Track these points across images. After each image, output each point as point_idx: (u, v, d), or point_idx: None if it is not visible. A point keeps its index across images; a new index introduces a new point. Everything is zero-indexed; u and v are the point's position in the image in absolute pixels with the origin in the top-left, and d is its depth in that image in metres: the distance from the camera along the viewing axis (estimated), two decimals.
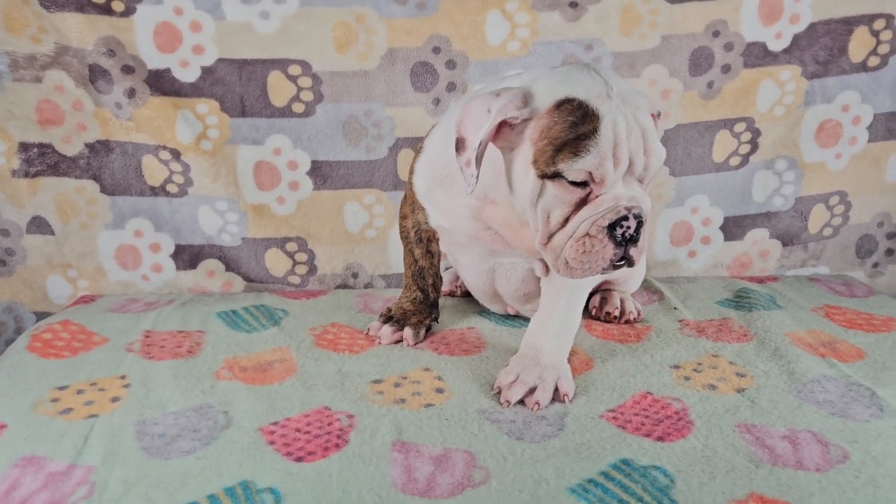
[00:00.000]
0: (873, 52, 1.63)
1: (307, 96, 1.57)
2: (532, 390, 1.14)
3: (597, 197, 1.00)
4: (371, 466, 0.98)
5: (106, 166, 1.57)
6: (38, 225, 1.59)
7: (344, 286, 1.71)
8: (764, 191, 1.72)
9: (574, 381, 1.20)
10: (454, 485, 0.95)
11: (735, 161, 1.69)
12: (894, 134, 1.69)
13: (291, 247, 1.67)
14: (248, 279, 1.69)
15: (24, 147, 1.54)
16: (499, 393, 1.16)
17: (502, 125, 1.01)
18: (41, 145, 1.55)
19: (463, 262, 1.35)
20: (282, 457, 1.00)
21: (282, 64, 1.54)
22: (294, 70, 1.55)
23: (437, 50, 1.56)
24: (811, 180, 1.72)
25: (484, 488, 0.94)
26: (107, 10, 1.47)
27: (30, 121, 1.52)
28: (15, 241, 1.60)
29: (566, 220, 1.02)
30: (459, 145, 1.02)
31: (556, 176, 0.99)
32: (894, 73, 1.64)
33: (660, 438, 1.05)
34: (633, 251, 1.03)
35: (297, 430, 1.07)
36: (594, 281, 1.39)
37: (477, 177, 1.01)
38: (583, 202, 1.01)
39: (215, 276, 1.67)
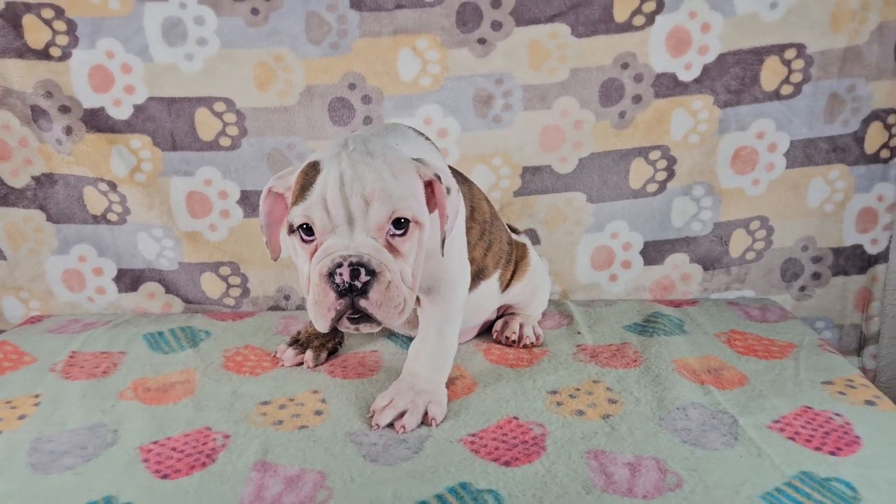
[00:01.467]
0: (786, 80, 1.65)
1: (233, 131, 1.67)
2: (402, 414, 1.21)
3: (320, 246, 1.07)
4: (227, 485, 1.06)
5: (51, 197, 1.71)
6: None
7: (276, 308, 1.81)
8: (682, 216, 1.76)
9: (450, 405, 1.26)
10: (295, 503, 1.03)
11: (652, 188, 1.73)
12: (813, 160, 1.71)
13: (225, 271, 1.78)
14: (186, 301, 1.80)
15: None
16: (373, 416, 1.23)
17: (280, 200, 1.16)
18: None
19: None
20: (150, 474, 1.09)
21: (207, 101, 1.65)
22: (219, 107, 1.65)
23: (352, 86, 1.65)
24: (729, 206, 1.75)
25: None
26: (45, 55, 1.60)
27: None
28: None
29: None
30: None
31: (292, 230, 1.08)
32: (809, 101, 1.66)
33: (507, 463, 1.10)
34: (363, 303, 1.06)
35: (174, 448, 1.16)
36: (482, 309, 1.46)
37: (267, 244, 1.20)
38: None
39: (155, 298, 1.79)
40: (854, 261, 1.79)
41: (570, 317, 1.67)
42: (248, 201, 1.73)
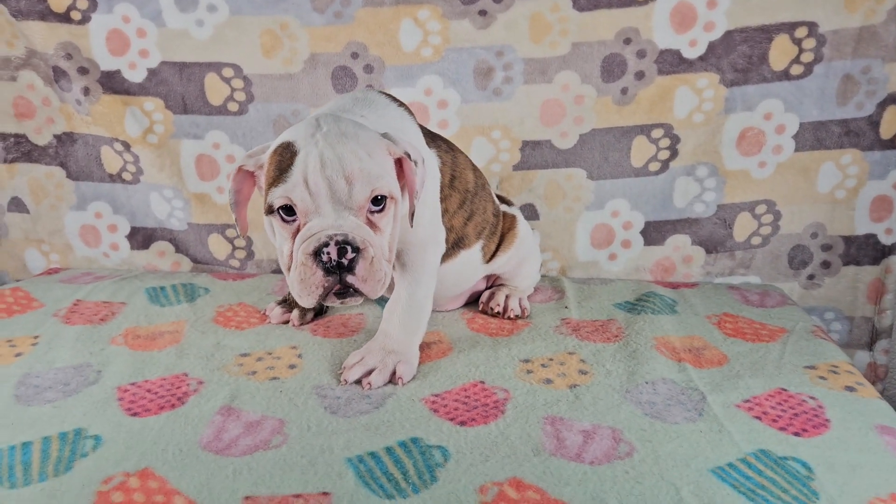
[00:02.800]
0: (796, 60, 1.60)
1: (240, 96, 1.73)
2: (371, 372, 1.24)
3: (304, 226, 1.09)
4: (189, 426, 1.10)
5: (71, 155, 1.80)
6: (17, 204, 1.84)
7: (279, 271, 1.86)
8: (685, 197, 1.73)
9: (421, 367, 1.29)
10: (250, 446, 1.06)
11: (655, 166, 1.71)
12: (824, 143, 1.66)
13: (231, 233, 1.84)
14: (195, 260, 1.87)
15: (2, 136, 1.79)
16: (343, 372, 1.27)
17: (249, 178, 1.20)
18: (17, 136, 1.79)
19: None
20: (122, 412, 1.14)
21: (216, 67, 1.71)
22: (227, 72, 1.71)
23: (355, 55, 1.68)
24: (734, 188, 1.71)
25: (273, 452, 1.04)
26: (66, 18, 1.68)
27: (7, 114, 1.77)
28: None
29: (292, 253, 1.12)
30: None
31: (271, 210, 1.11)
32: (820, 82, 1.61)
33: (462, 423, 1.12)
34: (351, 279, 1.09)
35: (149, 391, 1.21)
36: (464, 277, 1.47)
37: (236, 221, 1.22)
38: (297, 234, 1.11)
39: (165, 257, 1.87)
40: (867, 250, 1.72)
41: (561, 292, 1.67)
42: None
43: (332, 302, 1.13)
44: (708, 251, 1.76)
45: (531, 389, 1.22)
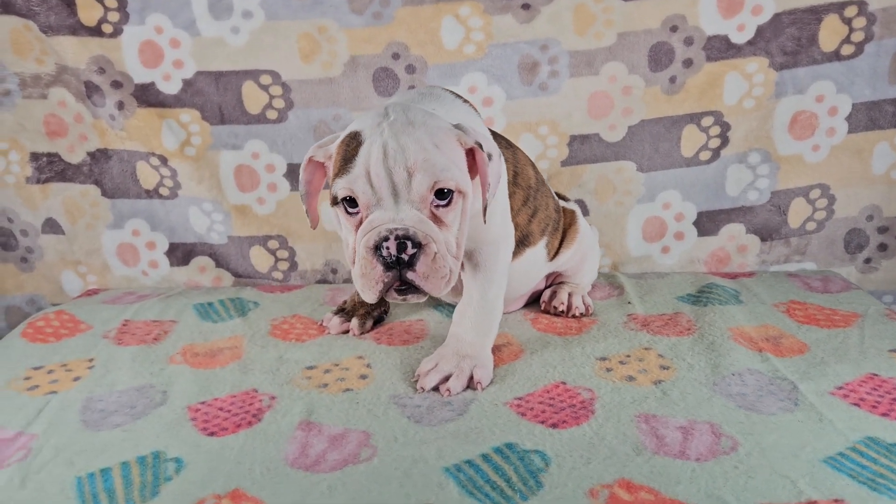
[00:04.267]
0: (846, 40, 1.57)
1: (279, 104, 1.68)
2: (448, 378, 1.20)
3: (366, 219, 1.06)
4: (271, 443, 1.06)
5: (106, 172, 1.75)
6: (51, 226, 1.79)
7: (324, 281, 1.82)
8: (737, 185, 1.69)
9: (496, 370, 1.25)
10: (339, 460, 1.02)
11: (706, 155, 1.68)
12: (877, 123, 1.63)
13: (273, 244, 1.79)
14: (236, 275, 1.82)
15: (35, 156, 1.74)
16: (418, 379, 1.22)
17: (320, 170, 1.17)
18: (49, 154, 1.74)
19: None
20: (197, 432, 1.10)
21: (254, 74, 1.66)
22: (265, 80, 1.67)
23: (396, 56, 1.64)
24: (787, 173, 1.68)
25: (365, 465, 1.00)
26: (97, 32, 1.63)
27: (39, 133, 1.72)
28: (33, 240, 1.80)
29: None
30: None
31: (336, 201, 1.08)
32: (872, 61, 1.58)
33: (554, 425, 1.08)
34: (411, 275, 1.05)
35: (220, 409, 1.17)
36: (529, 276, 1.43)
37: (308, 213, 1.18)
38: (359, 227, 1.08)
39: (206, 272, 1.82)
40: None
41: (620, 288, 1.63)
42: (295, 175, 1.74)
43: (393, 298, 1.10)
44: (763, 239, 1.73)
45: (615, 387, 1.19)
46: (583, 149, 1.68)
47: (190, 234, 1.79)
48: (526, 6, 1.59)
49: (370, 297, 1.09)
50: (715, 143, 1.66)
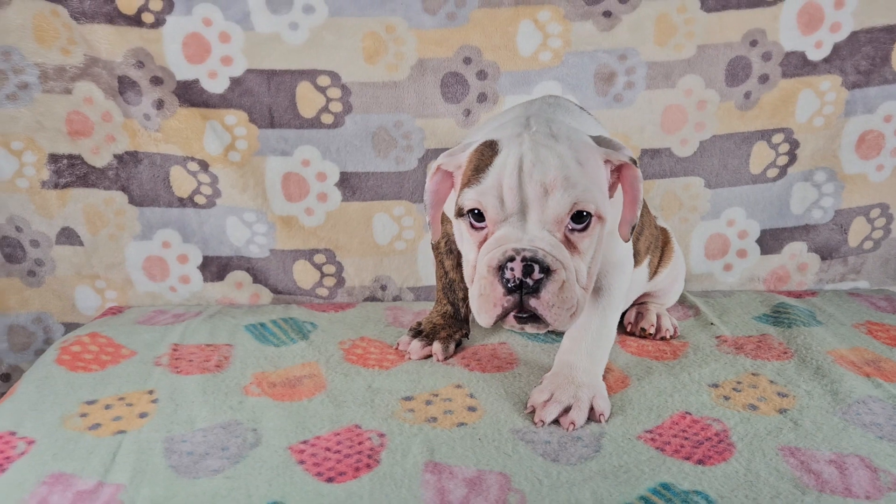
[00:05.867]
0: None
1: (336, 107, 1.56)
2: (567, 409, 1.11)
3: (492, 235, 0.99)
4: (403, 488, 0.95)
5: (134, 177, 1.58)
6: (68, 236, 1.60)
7: (372, 298, 1.70)
8: (802, 203, 1.68)
9: (609, 399, 1.17)
10: None
11: (773, 173, 1.65)
12: None
13: (320, 259, 1.66)
14: (275, 291, 1.67)
15: (53, 158, 1.55)
16: (532, 412, 1.13)
17: (448, 179, 1.08)
18: (70, 157, 1.55)
19: None
20: (312, 477, 0.98)
21: (311, 75, 1.54)
22: (323, 81, 1.54)
23: (467, 60, 1.55)
24: (851, 192, 1.67)
25: None
26: (137, 21, 1.47)
27: (59, 132, 1.53)
28: (44, 252, 1.60)
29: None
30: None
31: (461, 213, 1.00)
32: None
33: (700, 462, 1.02)
34: (534, 302, 0.97)
35: (327, 449, 1.05)
36: (628, 298, 1.36)
37: (429, 224, 1.09)
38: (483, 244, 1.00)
39: (243, 288, 1.67)
40: None
41: (693, 307, 1.59)
42: (348, 183, 1.61)
43: (511, 325, 1.02)
44: (823, 258, 1.72)
45: (743, 417, 1.13)
46: (653, 163, 1.63)
47: (226, 246, 1.63)
48: (608, 13, 1.53)
49: (485, 321, 1.00)
50: (783, 160, 1.64)
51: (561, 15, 1.53)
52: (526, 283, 0.95)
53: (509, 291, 0.96)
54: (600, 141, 1.04)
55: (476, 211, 0.99)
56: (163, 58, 1.50)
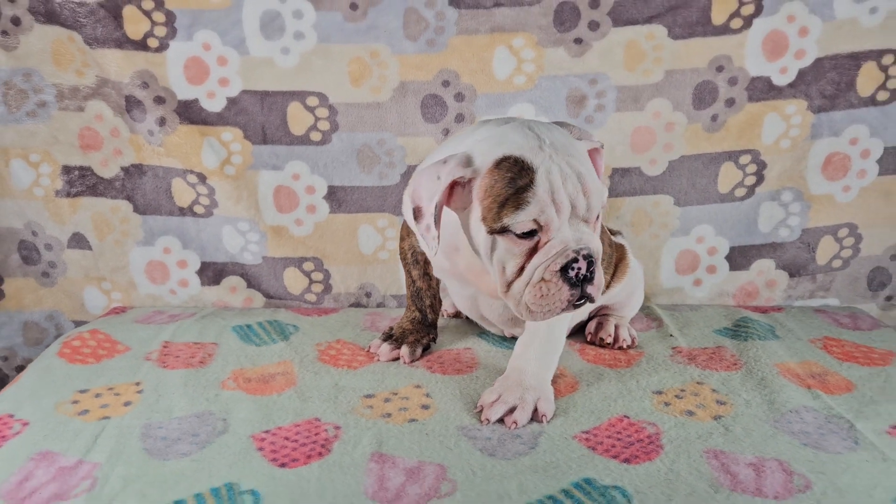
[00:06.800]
0: (882, 86, 1.63)
1: (324, 126, 1.68)
2: (512, 410, 1.20)
3: (546, 243, 1.07)
4: (348, 475, 1.05)
5: (139, 188, 1.71)
6: (78, 241, 1.74)
7: (357, 304, 1.80)
8: (770, 222, 1.74)
9: (556, 402, 1.25)
10: (421, 495, 1.01)
11: (741, 192, 1.72)
12: None
13: (308, 266, 1.77)
14: (267, 296, 1.79)
15: (66, 170, 1.70)
16: (481, 411, 1.22)
17: (454, 187, 1.09)
18: (81, 168, 1.70)
19: (450, 288, 1.42)
20: (268, 462, 1.08)
21: (300, 96, 1.65)
22: (312, 101, 1.66)
23: (446, 83, 1.65)
24: (818, 212, 1.73)
25: (448, 499, 1.00)
26: (143, 46, 1.60)
27: (72, 146, 1.67)
28: (56, 255, 1.75)
29: (521, 269, 1.09)
30: (417, 214, 1.10)
31: (504, 230, 1.07)
32: None
33: (626, 460, 1.09)
34: (590, 289, 1.09)
35: (286, 438, 1.15)
36: (581, 309, 1.44)
37: (438, 238, 1.09)
38: (534, 250, 1.08)
39: (237, 292, 1.79)
40: None
41: (657, 320, 1.66)
42: (335, 197, 1.73)
43: (567, 311, 1.12)
44: (791, 275, 1.77)
45: (678, 422, 1.20)
46: (623, 181, 1.71)
47: (222, 253, 1.76)
48: (579, 40, 1.62)
49: (548, 317, 1.11)
50: (750, 180, 1.71)
51: (534, 42, 1.62)
52: (587, 276, 1.08)
53: (573, 286, 1.08)
54: (572, 131, 1.16)
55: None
56: (166, 79, 1.63)
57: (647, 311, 1.71)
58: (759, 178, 1.71)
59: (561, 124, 1.18)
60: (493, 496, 1.00)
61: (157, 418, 1.20)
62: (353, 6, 1.59)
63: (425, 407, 1.25)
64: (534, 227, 1.06)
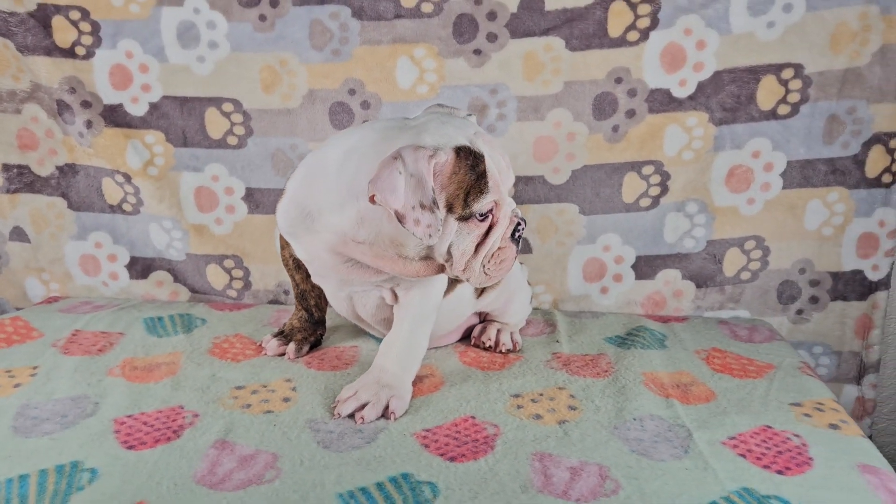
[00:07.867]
0: (783, 100, 1.64)
1: (239, 130, 1.77)
2: (364, 406, 1.26)
3: (499, 218, 1.20)
4: (185, 460, 1.12)
5: (72, 186, 1.83)
6: (18, 234, 1.88)
7: (276, 301, 1.89)
8: (675, 232, 1.76)
9: (414, 401, 1.30)
10: (244, 481, 1.07)
11: (645, 202, 1.74)
12: (811, 181, 1.69)
13: (229, 263, 1.86)
14: (193, 290, 1.89)
15: (6, 168, 1.83)
16: (336, 405, 1.28)
17: None
18: (20, 166, 1.82)
19: (326, 291, 1.48)
20: (118, 444, 1.16)
21: (217, 102, 1.74)
22: (227, 107, 1.75)
23: (352, 91, 1.72)
24: (723, 224, 1.74)
25: (266, 486, 1.06)
26: (71, 53, 1.72)
27: (11, 146, 1.80)
28: (0, 247, 1.88)
29: (477, 247, 1.20)
30: (400, 216, 1.09)
31: (470, 216, 1.17)
32: (806, 121, 1.64)
33: (452, 459, 1.13)
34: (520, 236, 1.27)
35: (145, 423, 1.23)
36: (456, 312, 1.50)
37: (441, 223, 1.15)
38: (490, 228, 1.20)
39: (164, 286, 1.89)
40: (854, 286, 1.75)
41: (553, 325, 1.69)
42: (253, 198, 1.82)
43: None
44: (698, 286, 1.79)
45: (521, 425, 1.24)
46: (527, 189, 1.75)
47: (150, 249, 1.87)
48: (478, 51, 1.67)
49: (503, 276, 1.26)
50: (655, 191, 1.73)
51: (435, 52, 1.68)
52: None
53: (515, 243, 1.24)
54: (456, 113, 1.29)
55: None
56: (93, 85, 1.74)
57: (548, 317, 1.75)
58: (664, 188, 1.73)
59: (441, 107, 1.30)
60: (308, 485, 1.06)
61: (37, 399, 1.30)
62: (262, 17, 1.68)
63: (286, 399, 1.32)
64: (492, 206, 1.18)
